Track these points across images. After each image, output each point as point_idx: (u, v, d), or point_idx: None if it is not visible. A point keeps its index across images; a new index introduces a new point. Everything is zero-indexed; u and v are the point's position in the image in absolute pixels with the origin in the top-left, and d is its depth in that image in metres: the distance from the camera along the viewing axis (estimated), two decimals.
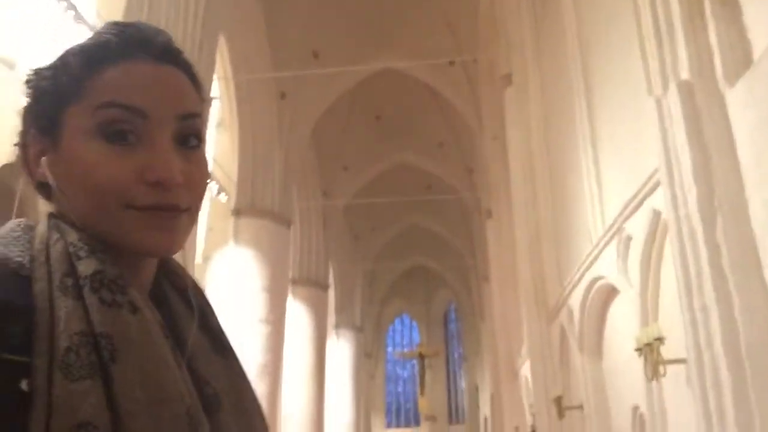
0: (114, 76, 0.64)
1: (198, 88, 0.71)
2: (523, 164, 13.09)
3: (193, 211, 0.68)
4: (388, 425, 40.77)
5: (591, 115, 8.78)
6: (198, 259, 17.88)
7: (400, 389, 42.09)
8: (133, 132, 0.63)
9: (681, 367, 5.26)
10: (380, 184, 26.62)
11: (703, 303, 4.09)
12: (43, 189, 0.69)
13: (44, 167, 0.66)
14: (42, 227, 0.65)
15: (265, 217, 17.25)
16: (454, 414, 40.58)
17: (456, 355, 41.98)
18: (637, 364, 6.02)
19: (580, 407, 9.25)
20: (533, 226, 12.48)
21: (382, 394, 41.46)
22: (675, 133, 4.44)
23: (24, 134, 0.69)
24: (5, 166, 12.40)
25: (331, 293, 26.03)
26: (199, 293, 0.77)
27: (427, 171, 27.53)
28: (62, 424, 0.53)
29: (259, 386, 15.38)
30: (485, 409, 29.67)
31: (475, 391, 36.35)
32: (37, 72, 0.68)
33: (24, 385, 0.55)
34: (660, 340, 5.34)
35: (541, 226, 12.20)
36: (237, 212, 17.27)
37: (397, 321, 43.93)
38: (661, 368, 5.33)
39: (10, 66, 17.70)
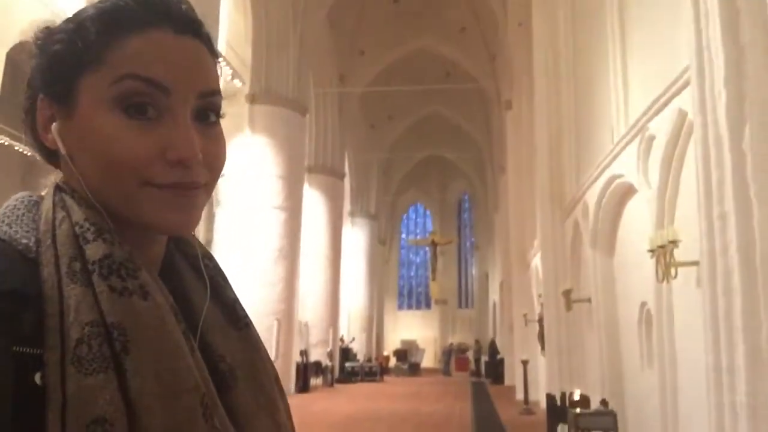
0: (136, 46, 0.61)
1: (218, 61, 0.68)
2: (548, 54, 12.65)
3: (210, 188, 0.65)
4: (400, 307, 42.45)
5: (621, 9, 8.35)
6: None
7: (412, 274, 43.40)
8: (154, 107, 0.61)
9: (692, 268, 5.33)
10: (398, 71, 25.98)
11: (722, 210, 4.06)
12: (46, 152, 0.66)
13: (54, 134, 0.63)
14: (47, 204, 0.62)
15: (280, 104, 17.03)
16: (464, 299, 42.05)
17: (468, 244, 42.82)
18: (648, 263, 6.11)
19: (588, 300, 9.50)
20: (554, 119, 12.25)
21: (396, 278, 42.80)
22: (710, 32, 4.22)
23: (31, 98, 0.65)
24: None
25: (347, 182, 26.21)
26: (212, 262, 0.73)
27: (447, 58, 26.71)
28: (77, 420, 0.52)
29: (276, 269, 15.90)
30: (494, 296, 30.63)
31: (485, 278, 37.39)
32: (49, 33, 0.63)
33: (38, 378, 0.54)
34: (674, 243, 5.37)
35: (563, 120, 11.97)
36: (252, 98, 17.04)
37: (411, 209, 44.48)
38: (672, 270, 5.41)
39: None
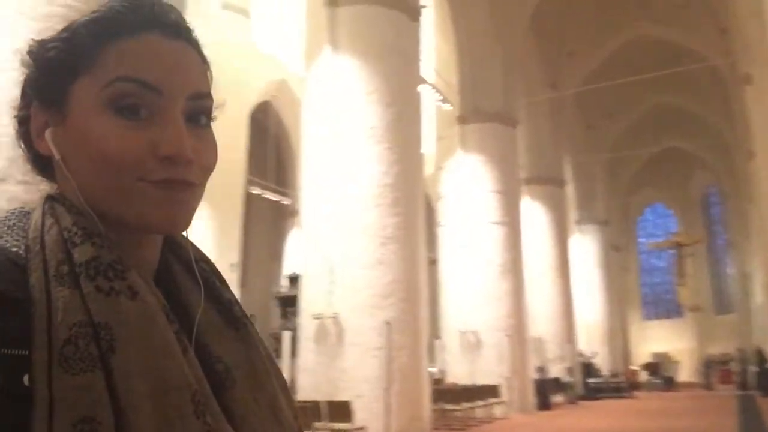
0: (128, 49, 0.63)
1: (207, 67, 0.69)
2: None
3: (201, 189, 0.66)
4: (646, 317, 39.17)
5: None
6: (430, 169, 18.51)
7: (657, 280, 39.87)
8: (146, 107, 0.62)
9: None
10: (613, 65, 24.42)
11: None
12: (39, 164, 0.68)
13: (48, 140, 0.64)
14: (37, 213, 0.64)
15: (490, 120, 17.08)
16: (720, 303, 37.44)
17: (720, 242, 38.20)
18: None
19: None
20: None
21: (637, 286, 39.72)
22: None
23: (24, 107, 0.68)
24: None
25: (570, 189, 25.17)
26: (208, 265, 0.73)
27: (669, 40, 24.44)
28: (64, 419, 0.53)
29: (501, 284, 15.77)
30: (758, 298, 26.85)
31: (745, 278, 32.96)
32: (41, 43, 0.66)
33: (26, 380, 0.54)
34: None
35: None
36: (462, 119, 17.34)
37: (647, 211, 41.12)
38: None
39: (245, 14, 19.52)
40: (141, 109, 0.62)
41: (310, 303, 9.96)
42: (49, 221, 0.62)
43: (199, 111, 0.66)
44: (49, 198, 0.65)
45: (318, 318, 9.67)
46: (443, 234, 17.48)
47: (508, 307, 15.79)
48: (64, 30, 0.66)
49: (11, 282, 0.58)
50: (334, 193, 10.05)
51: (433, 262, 17.69)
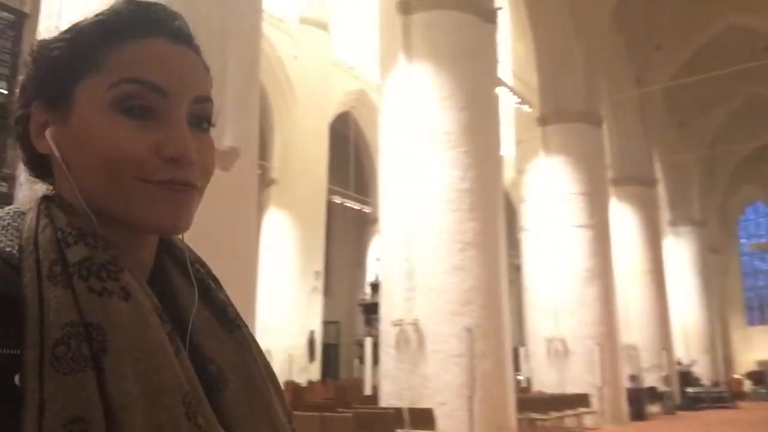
0: (134, 51, 0.64)
1: (209, 73, 0.70)
2: None
3: (201, 192, 0.66)
4: (750, 323, 36.71)
5: None
6: (511, 172, 18.19)
7: (761, 284, 37.32)
8: (151, 109, 0.63)
9: None
10: (704, 58, 23.16)
11: None
12: (35, 163, 0.69)
13: (49, 139, 0.64)
14: (32, 213, 0.64)
15: (572, 120, 16.58)
16: None
17: None
18: None
19: None
20: None
21: (740, 290, 37.32)
22: None
23: (23, 105, 0.68)
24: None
25: (661, 188, 24.04)
26: (203, 267, 0.73)
27: (760, 29, 22.95)
28: (54, 419, 0.53)
29: (589, 290, 15.24)
30: None
31: None
32: (46, 43, 0.67)
33: (17, 379, 0.54)
34: None
35: None
36: (543, 120, 16.92)
37: (748, 210, 38.65)
38: None
39: (323, 27, 19.95)
40: (146, 109, 0.62)
41: (389, 310, 9.98)
42: (43, 221, 0.62)
43: (202, 115, 0.67)
44: (45, 198, 0.65)
45: (398, 324, 9.67)
46: (527, 239, 17.10)
47: (598, 314, 15.22)
48: (68, 31, 0.67)
49: (4, 282, 0.58)
50: (411, 199, 10.04)
51: (517, 268, 17.33)
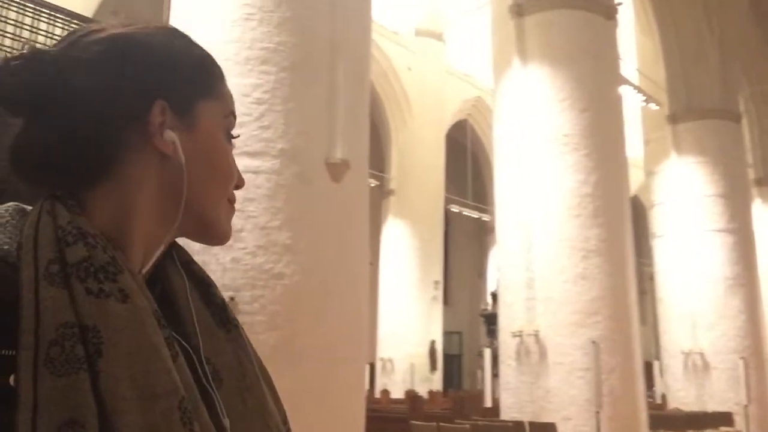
0: (229, 89, 0.76)
1: None
2: None
3: None
4: None
5: None
6: (639, 175, 17.20)
7: None
8: None
9: None
10: None
11: None
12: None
13: (172, 140, 0.67)
14: (35, 211, 0.63)
15: (706, 117, 15.41)
16: None
17: None
18: None
19: None
20: None
21: None
22: None
23: (141, 95, 0.67)
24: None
25: None
26: (197, 265, 0.76)
27: None
28: (48, 422, 0.52)
29: (732, 300, 14.05)
30: None
31: None
32: (183, 48, 0.72)
33: (12, 380, 0.54)
34: None
35: None
36: (673, 118, 15.87)
37: None
38: None
39: (438, 38, 20.01)
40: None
41: (509, 320, 9.72)
42: (45, 219, 0.62)
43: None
44: (51, 196, 0.64)
45: (517, 336, 9.39)
46: (660, 245, 16.03)
47: (742, 326, 13.96)
48: (196, 45, 0.74)
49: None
50: (528, 205, 9.74)
51: (650, 277, 16.33)
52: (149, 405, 0.55)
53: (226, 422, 0.62)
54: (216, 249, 4.71)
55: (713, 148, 15.11)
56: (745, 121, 16.58)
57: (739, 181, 15.33)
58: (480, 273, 25.42)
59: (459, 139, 21.69)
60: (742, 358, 13.56)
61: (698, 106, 15.55)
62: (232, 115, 0.74)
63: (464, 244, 25.35)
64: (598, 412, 8.76)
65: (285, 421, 0.70)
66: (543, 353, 9.19)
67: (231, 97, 0.75)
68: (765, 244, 16.86)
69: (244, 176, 0.75)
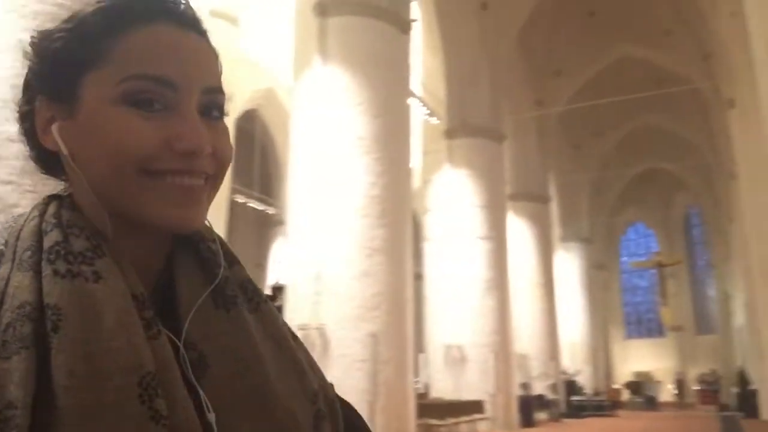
0: (140, 42, 0.61)
1: (218, 59, 0.68)
2: None
3: (216, 182, 0.64)
4: (628, 336, 39.33)
5: None
6: (417, 182, 18.49)
7: (638, 299, 40.12)
8: (160, 102, 0.61)
9: None
10: (599, 85, 24.70)
11: None
12: (45, 161, 0.65)
13: (55, 134, 0.62)
14: (29, 211, 0.63)
15: (477, 135, 17.10)
16: (702, 324, 37.72)
17: (701, 262, 38.58)
18: None
19: None
20: None
21: (620, 305, 39.92)
22: None
23: (27, 101, 0.64)
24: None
25: (554, 206, 25.28)
26: (215, 243, 0.69)
27: (653, 63, 24.80)
28: None
29: (487, 300, 15.73)
30: (739, 318, 27.08)
31: (725, 299, 33.27)
32: (47, 33, 0.63)
33: None
34: None
35: None
36: (449, 133, 17.35)
37: (630, 230, 41.47)
38: None
39: (233, 21, 19.48)
40: (155, 103, 0.60)
41: (295, 313, 9.83)
42: (33, 214, 0.61)
43: (212, 105, 0.64)
44: (49, 197, 0.64)
45: (303, 329, 9.53)
46: (429, 248, 17.40)
47: (494, 323, 15.73)
48: (69, 20, 0.63)
49: None
50: (321, 202, 9.96)
51: (418, 277, 17.62)
52: (102, 381, 0.52)
53: (212, 417, 0.58)
54: None
55: (480, 163, 16.83)
56: (507, 143, 18.69)
57: (497, 195, 17.27)
58: (260, 265, 25.26)
59: (248, 129, 21.33)
60: (492, 351, 15.30)
61: (470, 124, 17.20)
62: (136, 76, 0.59)
63: (247, 236, 25.01)
64: (372, 402, 9.25)
65: (313, 400, 0.65)
66: (326, 346, 9.45)
67: (136, 51, 0.60)
68: (514, 252, 19.20)
69: None
